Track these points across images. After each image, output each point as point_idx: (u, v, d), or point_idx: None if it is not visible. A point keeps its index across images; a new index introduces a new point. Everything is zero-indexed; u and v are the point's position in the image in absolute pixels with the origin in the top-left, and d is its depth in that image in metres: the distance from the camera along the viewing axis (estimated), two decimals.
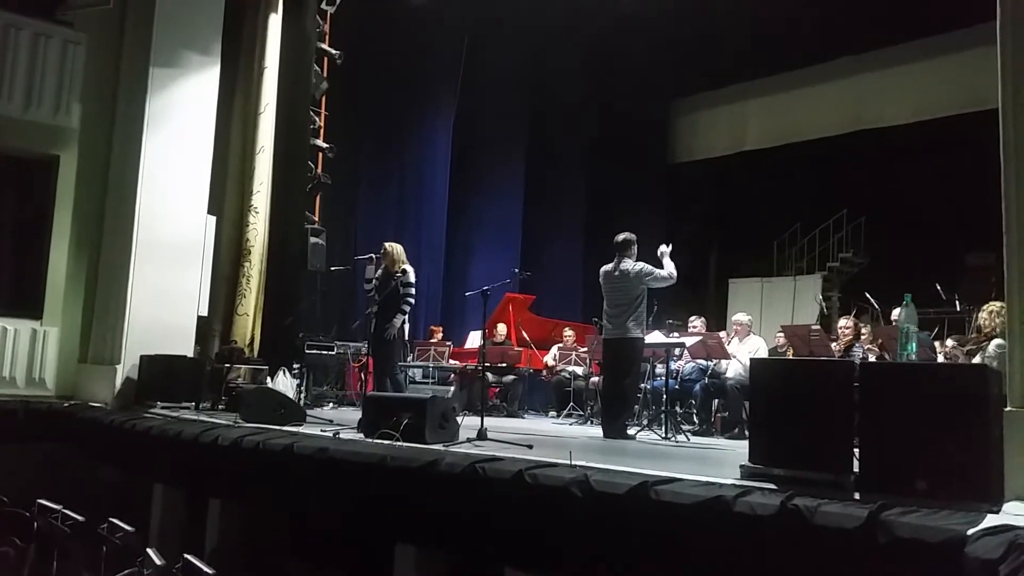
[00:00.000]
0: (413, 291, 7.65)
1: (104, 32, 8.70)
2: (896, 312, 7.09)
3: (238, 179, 9.46)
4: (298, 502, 5.18)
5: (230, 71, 9.26)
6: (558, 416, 10.25)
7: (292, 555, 5.64)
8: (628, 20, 12.85)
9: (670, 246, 7.10)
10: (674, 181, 16.45)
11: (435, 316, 13.50)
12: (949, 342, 7.42)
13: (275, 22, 9.56)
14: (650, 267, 6.97)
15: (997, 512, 2.92)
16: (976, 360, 6.19)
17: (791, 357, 7.33)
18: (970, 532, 2.63)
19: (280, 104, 9.53)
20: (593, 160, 15.61)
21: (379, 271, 7.60)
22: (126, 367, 7.93)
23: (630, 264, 6.98)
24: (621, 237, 7.11)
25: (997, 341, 5.89)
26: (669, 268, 6.99)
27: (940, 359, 7.22)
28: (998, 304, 6.12)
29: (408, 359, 10.70)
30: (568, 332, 11.13)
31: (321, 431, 5.70)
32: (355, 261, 9.28)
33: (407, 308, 7.60)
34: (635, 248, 7.08)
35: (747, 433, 4.93)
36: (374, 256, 7.67)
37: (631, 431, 6.97)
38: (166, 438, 6.13)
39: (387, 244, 7.79)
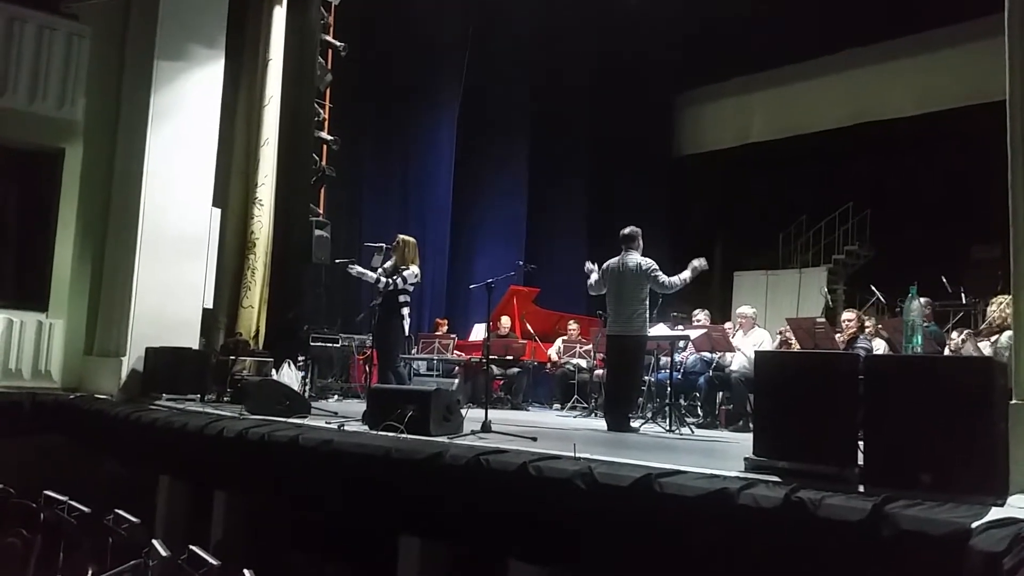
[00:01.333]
0: (407, 287, 7.21)
1: (109, 25, 8.69)
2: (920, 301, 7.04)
3: (243, 172, 9.45)
4: (303, 494, 5.20)
5: (234, 64, 9.25)
6: (562, 409, 10.25)
7: (297, 547, 5.65)
8: (632, 14, 12.82)
9: (703, 263, 6.88)
10: (679, 174, 16.42)
11: (440, 309, 13.51)
12: (954, 334, 7.38)
13: (279, 14, 9.55)
14: (657, 266, 6.87)
15: (1002, 505, 2.92)
16: (987, 351, 6.16)
17: (796, 350, 7.32)
18: (974, 525, 2.63)
19: (284, 96, 9.52)
20: (598, 153, 15.58)
21: (387, 263, 7.36)
22: (131, 359, 7.94)
23: (637, 258, 6.90)
24: (627, 230, 7.05)
25: (1009, 333, 5.86)
26: (683, 276, 6.79)
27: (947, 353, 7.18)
28: (1007, 297, 6.10)
29: (412, 352, 10.72)
30: (572, 325, 11.12)
31: (326, 423, 5.71)
32: (363, 247, 9.02)
33: (404, 308, 7.28)
34: (640, 242, 7.01)
35: (751, 426, 4.95)
36: (385, 246, 7.40)
37: (635, 424, 6.97)
38: (171, 430, 6.15)
39: (402, 237, 7.42)
